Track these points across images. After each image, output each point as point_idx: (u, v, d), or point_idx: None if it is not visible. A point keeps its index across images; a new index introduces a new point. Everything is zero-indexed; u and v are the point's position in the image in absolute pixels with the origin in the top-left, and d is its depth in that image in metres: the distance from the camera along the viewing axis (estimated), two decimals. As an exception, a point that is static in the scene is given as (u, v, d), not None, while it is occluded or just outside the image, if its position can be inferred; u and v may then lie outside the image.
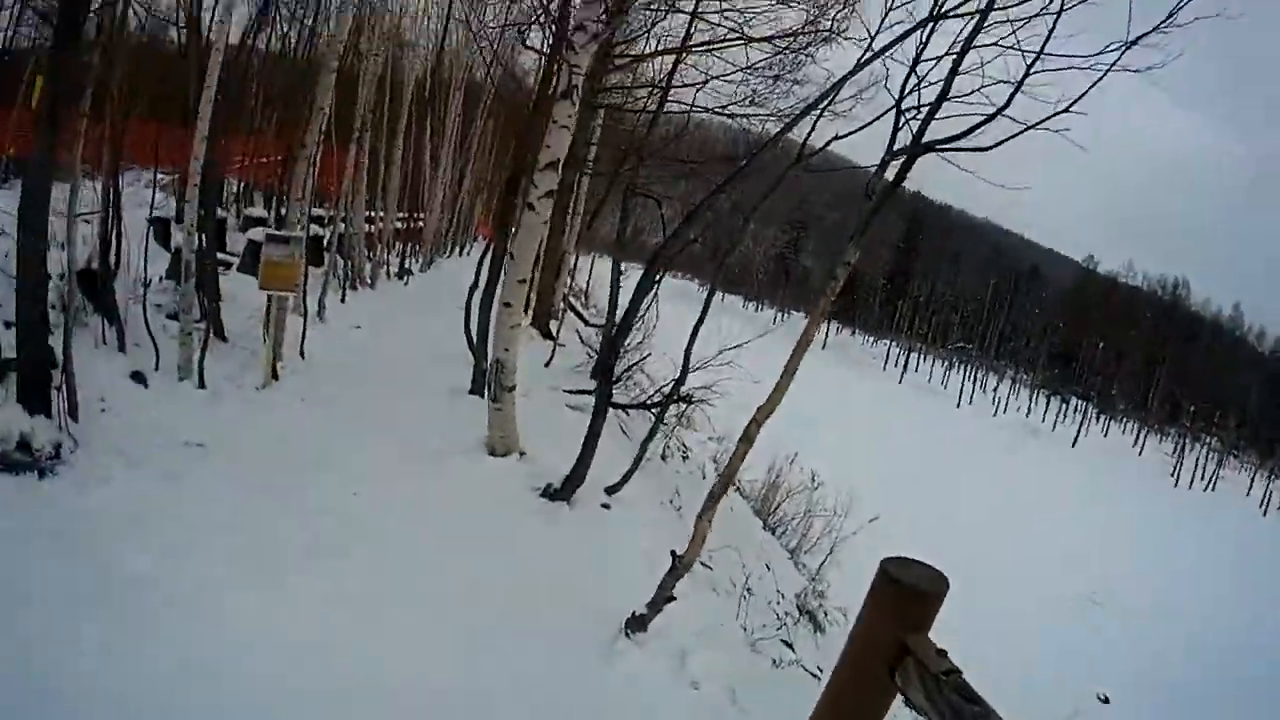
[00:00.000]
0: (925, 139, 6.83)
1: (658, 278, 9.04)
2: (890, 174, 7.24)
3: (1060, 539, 29.84)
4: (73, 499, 6.28)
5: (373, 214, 22.39)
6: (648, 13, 16.61)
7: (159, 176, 12.54)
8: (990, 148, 6.58)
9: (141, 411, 8.25)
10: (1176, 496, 62.14)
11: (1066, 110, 6.35)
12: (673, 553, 6.40)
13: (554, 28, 10.70)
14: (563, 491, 8.36)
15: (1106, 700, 17.04)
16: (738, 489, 15.59)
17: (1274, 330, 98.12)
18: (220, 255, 13.55)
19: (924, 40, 6.99)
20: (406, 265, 24.54)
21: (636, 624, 6.30)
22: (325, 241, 17.44)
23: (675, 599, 6.36)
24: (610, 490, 8.88)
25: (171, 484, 6.88)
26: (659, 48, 16.63)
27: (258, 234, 13.69)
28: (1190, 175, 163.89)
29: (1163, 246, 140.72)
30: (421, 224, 27.84)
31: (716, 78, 15.94)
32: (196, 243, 9.67)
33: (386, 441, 8.91)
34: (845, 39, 13.18)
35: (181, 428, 8.06)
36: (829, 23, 13.92)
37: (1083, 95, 6.28)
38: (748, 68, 15.57)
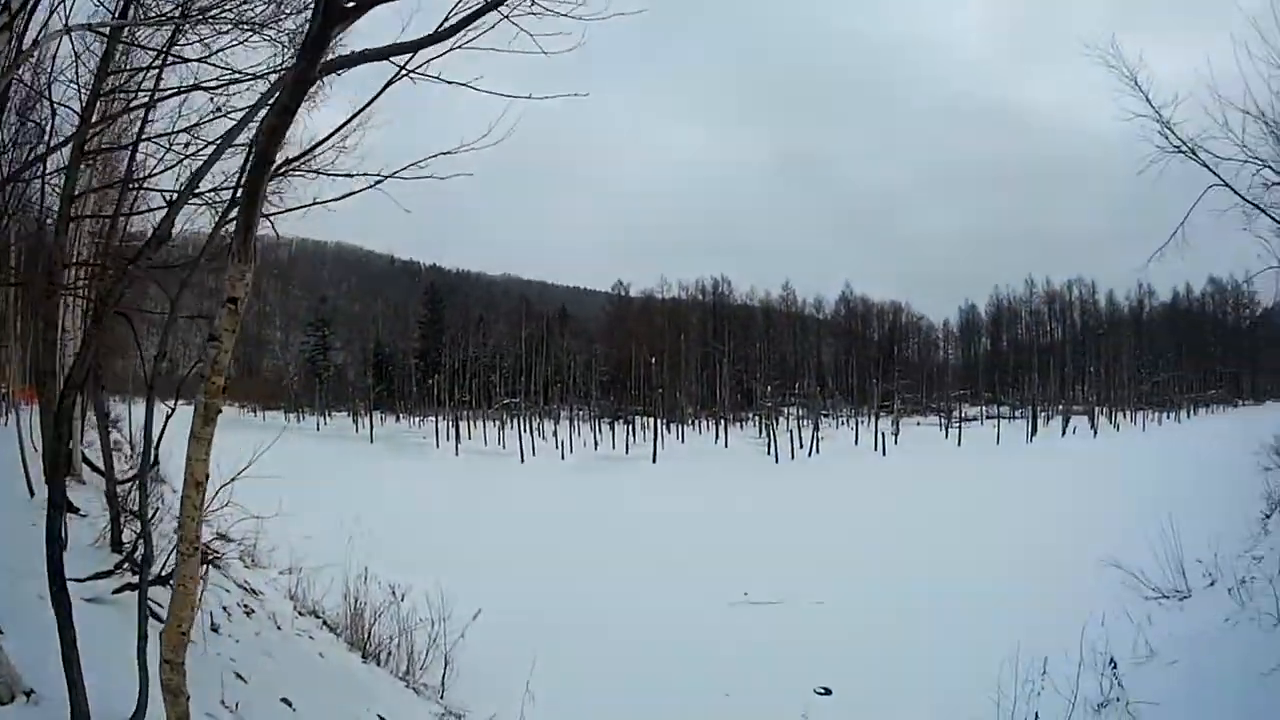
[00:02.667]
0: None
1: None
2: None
3: (688, 549, 29.60)
4: None
5: None
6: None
7: None
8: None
9: None
10: (780, 472, 66.31)
11: None
12: None
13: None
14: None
15: (828, 692, 16.40)
16: (324, 624, 13.34)
17: (831, 296, 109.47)
18: None
19: None
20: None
21: None
22: None
23: None
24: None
25: None
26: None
27: None
28: (718, 181, 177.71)
29: (701, 254, 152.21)
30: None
31: (190, 156, 13.28)
32: None
33: None
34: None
35: None
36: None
37: None
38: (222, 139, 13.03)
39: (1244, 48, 10.87)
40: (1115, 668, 11.37)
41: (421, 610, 13.65)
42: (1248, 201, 11.04)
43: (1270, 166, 11.04)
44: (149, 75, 11.20)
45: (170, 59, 10.38)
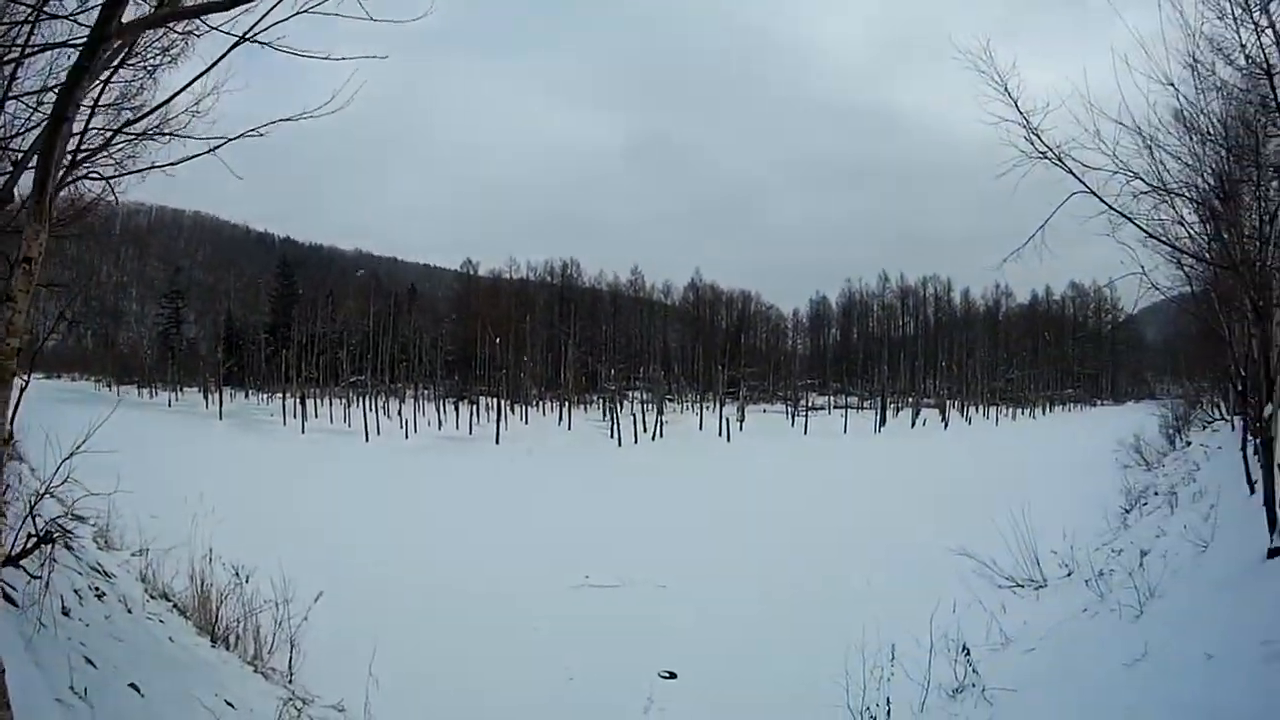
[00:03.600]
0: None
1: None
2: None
3: (538, 540, 29.01)
4: None
5: None
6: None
7: None
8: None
9: None
10: (623, 455, 67.01)
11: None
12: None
13: None
14: None
15: (673, 676, 16.27)
16: (174, 607, 12.96)
17: (680, 281, 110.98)
18: None
19: None
20: None
21: None
22: None
23: None
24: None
25: None
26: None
27: None
28: (572, 162, 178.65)
29: (551, 236, 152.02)
30: None
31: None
32: None
33: None
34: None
35: None
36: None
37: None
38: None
39: (1124, 60, 11.17)
40: (968, 655, 11.61)
41: (266, 592, 13.49)
42: (1113, 209, 11.32)
43: (1142, 178, 11.42)
44: (23, 31, 10.76)
45: (44, 15, 10.01)
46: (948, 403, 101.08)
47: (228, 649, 12.31)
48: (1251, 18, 12.00)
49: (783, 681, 14.51)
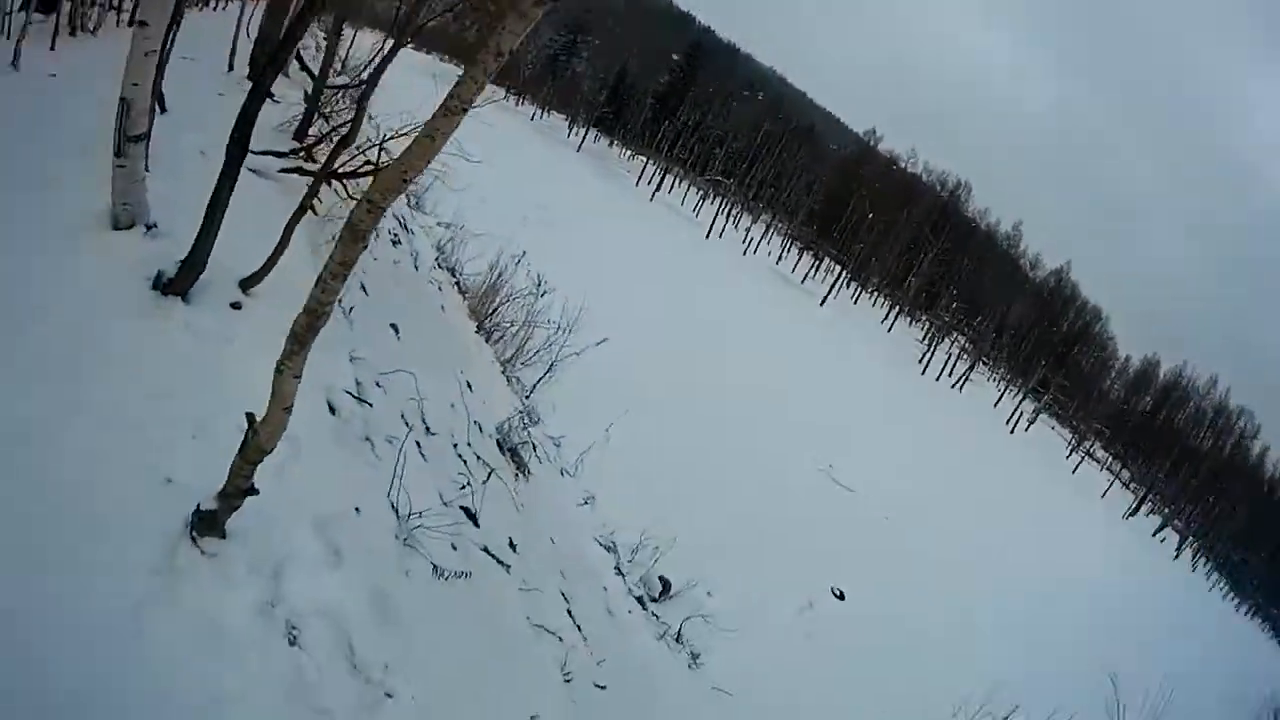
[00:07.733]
0: None
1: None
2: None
3: (806, 411, 28.04)
4: None
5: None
6: None
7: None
8: None
9: None
10: (925, 383, 64.05)
11: None
12: (249, 417, 4.02)
13: None
14: (178, 282, 5.75)
15: (842, 596, 16.37)
16: (458, 284, 13.73)
17: (1052, 262, 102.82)
18: None
19: None
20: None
21: (206, 524, 4.13)
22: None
23: (256, 491, 4.11)
24: (247, 283, 6.22)
25: None
26: None
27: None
28: (989, 91, 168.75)
29: (948, 148, 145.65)
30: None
31: None
32: None
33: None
34: None
35: None
36: None
37: None
38: None
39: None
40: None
41: (553, 314, 13.87)
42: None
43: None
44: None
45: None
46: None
47: (488, 340, 12.94)
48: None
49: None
